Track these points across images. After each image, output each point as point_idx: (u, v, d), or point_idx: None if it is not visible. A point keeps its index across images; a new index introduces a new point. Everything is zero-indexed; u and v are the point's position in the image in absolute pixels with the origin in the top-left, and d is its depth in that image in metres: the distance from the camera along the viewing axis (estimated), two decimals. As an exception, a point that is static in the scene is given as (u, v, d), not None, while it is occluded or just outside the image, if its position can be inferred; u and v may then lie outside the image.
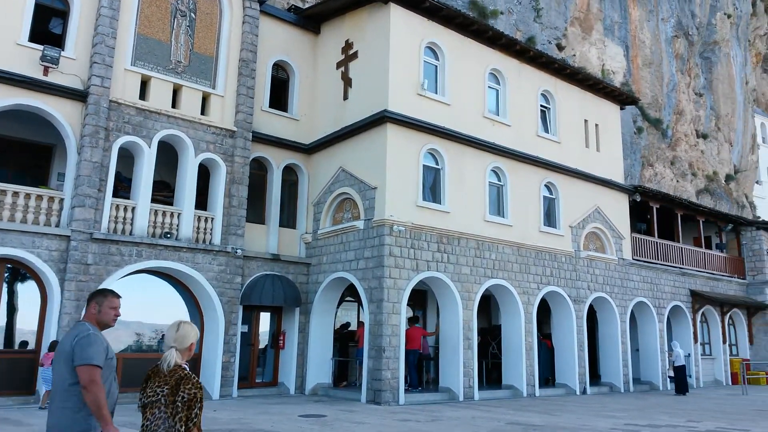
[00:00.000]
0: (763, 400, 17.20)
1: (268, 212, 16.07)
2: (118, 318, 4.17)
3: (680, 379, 18.26)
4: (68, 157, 13.14)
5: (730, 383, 23.11)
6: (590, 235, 19.15)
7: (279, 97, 17.14)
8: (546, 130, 18.48)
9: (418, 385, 15.26)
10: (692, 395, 18.19)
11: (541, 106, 18.49)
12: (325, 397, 14.65)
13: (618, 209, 20.21)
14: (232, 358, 14.26)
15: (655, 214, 22.01)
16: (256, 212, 15.90)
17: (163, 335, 14.83)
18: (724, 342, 23.82)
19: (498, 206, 16.67)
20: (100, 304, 4.03)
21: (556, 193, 18.18)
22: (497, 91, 17.39)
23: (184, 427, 3.50)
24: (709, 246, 25.78)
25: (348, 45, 16.18)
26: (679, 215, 23.16)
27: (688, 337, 22.03)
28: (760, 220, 28.89)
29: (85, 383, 3.67)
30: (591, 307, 18.90)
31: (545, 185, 17.91)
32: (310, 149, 16.74)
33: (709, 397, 18.01)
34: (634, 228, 21.63)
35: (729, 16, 38.12)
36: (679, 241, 23.04)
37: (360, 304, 15.93)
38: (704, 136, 35.21)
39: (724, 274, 24.79)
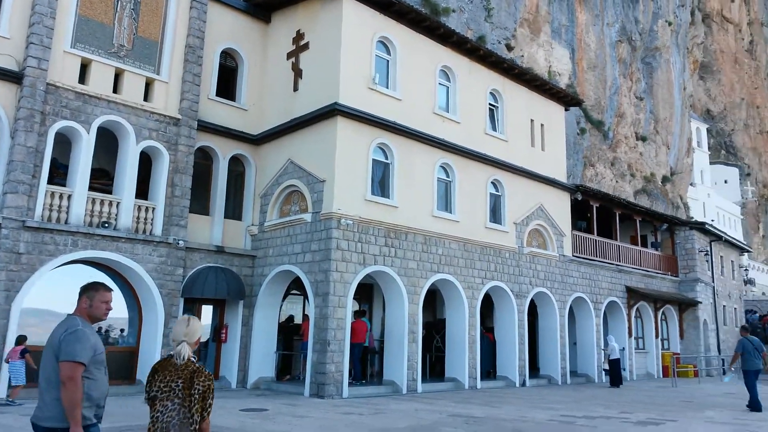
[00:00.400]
0: (690, 391, 18.08)
1: (212, 203, 15.75)
2: (110, 312, 4.19)
3: (615, 372, 19.00)
4: (0, 141, 12.49)
5: (662, 376, 24.19)
6: (533, 231, 19.63)
7: (227, 86, 16.77)
8: (494, 129, 18.80)
9: (362, 379, 15.32)
10: (626, 387, 18.94)
11: (490, 104, 18.78)
12: (267, 391, 14.51)
13: (560, 207, 20.79)
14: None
15: (595, 213, 22.75)
16: (200, 203, 15.55)
17: (122, 330, 14.41)
18: (657, 336, 24.90)
19: (446, 202, 16.87)
20: (92, 299, 4.01)
21: (502, 191, 18.53)
22: (447, 88, 17.55)
23: (200, 416, 3.71)
24: (645, 244, 26.85)
25: (299, 35, 15.99)
26: (617, 214, 24.02)
27: (623, 331, 22.92)
28: (693, 220, 30.33)
29: (64, 379, 3.66)
30: (532, 302, 19.40)
31: (492, 182, 18.23)
32: (258, 140, 16.48)
33: (642, 389, 18.80)
34: (575, 226, 22.30)
35: (670, 24, 39.69)
36: (616, 239, 23.90)
37: (306, 297, 15.84)
38: (643, 139, 36.59)
39: (658, 271, 25.89)
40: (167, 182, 14.38)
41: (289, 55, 16.21)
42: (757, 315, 35.17)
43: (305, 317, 16.83)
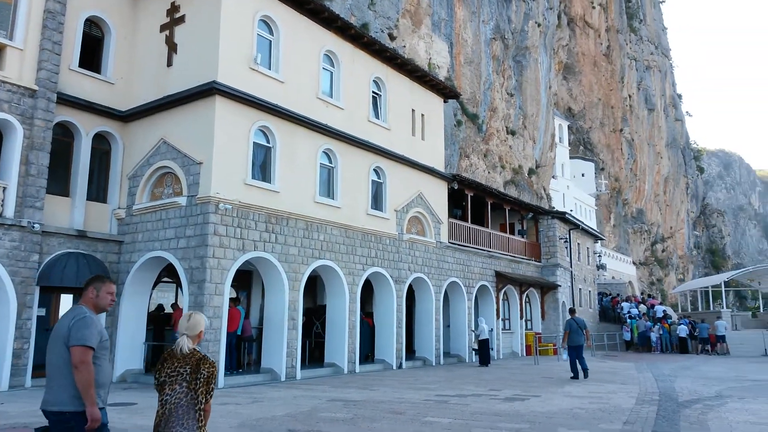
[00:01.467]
0: (550, 368, 19.58)
1: (73, 184, 14.47)
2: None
3: (484, 352, 20.10)
4: None
5: (525, 354, 25.98)
6: (413, 219, 20.15)
7: (92, 57, 15.42)
8: (377, 116, 18.98)
9: (238, 368, 14.93)
10: (494, 366, 20.12)
11: (373, 92, 18.92)
12: (135, 384, 13.69)
13: (438, 195, 21.51)
14: (26, 344, 12.69)
15: (470, 202, 23.82)
16: (59, 183, 14.23)
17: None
18: (522, 318, 26.68)
19: (328, 188, 16.79)
20: (98, 289, 4.27)
21: (383, 178, 18.80)
22: (331, 73, 17.42)
23: (204, 398, 4.08)
24: (512, 232, 28.58)
25: (174, 7, 15.04)
26: (489, 203, 25.32)
27: (491, 313, 24.30)
28: (555, 210, 32.70)
29: (77, 363, 3.88)
30: (410, 287, 19.96)
31: (374, 169, 18.43)
32: (126, 117, 15.36)
33: (507, 367, 20.06)
34: (451, 213, 23.20)
35: (539, 25, 42.29)
36: (488, 227, 25.22)
37: (179, 285, 15.08)
38: (513, 133, 38.84)
39: (524, 257, 27.70)
40: (21, 159, 12.98)
41: (163, 28, 15.22)
42: (609, 297, 38.81)
43: (176, 306, 16.06)
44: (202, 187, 13.46)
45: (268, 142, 15.00)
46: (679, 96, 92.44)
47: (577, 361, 15.66)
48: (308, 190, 15.91)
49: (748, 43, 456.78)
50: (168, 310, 16.30)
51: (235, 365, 14.65)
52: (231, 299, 14.78)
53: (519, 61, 40.04)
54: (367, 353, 18.54)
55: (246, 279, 17.58)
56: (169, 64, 14.86)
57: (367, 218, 17.91)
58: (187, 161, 13.87)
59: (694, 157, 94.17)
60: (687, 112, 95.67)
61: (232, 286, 14.07)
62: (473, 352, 22.11)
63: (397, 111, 19.80)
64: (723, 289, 34.49)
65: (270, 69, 15.22)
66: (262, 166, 14.91)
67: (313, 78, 16.50)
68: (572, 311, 17.43)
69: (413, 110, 20.64)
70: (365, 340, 18.07)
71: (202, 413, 4.08)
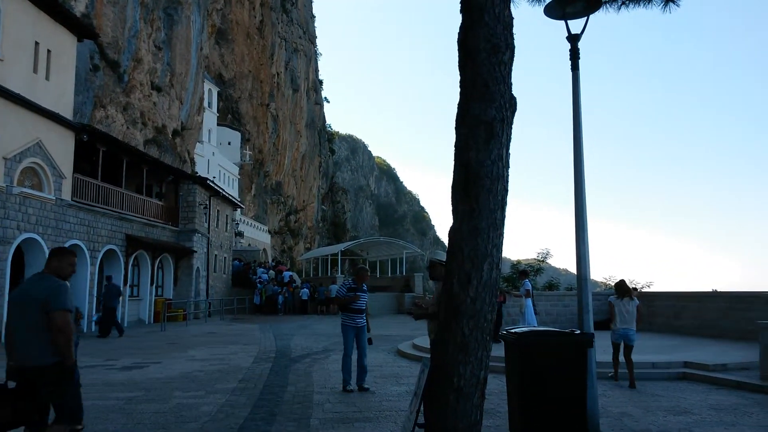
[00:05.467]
0: (177, 333, 19.41)
1: None
2: None
3: (109, 321, 18.66)
4: None
5: (153, 321, 25.13)
6: (28, 170, 17.33)
7: None
8: (-17, 41, 15.57)
9: None
10: (115, 335, 18.83)
11: (-20, 10, 15.45)
12: None
13: (63, 146, 18.95)
14: None
15: (101, 157, 21.70)
16: None
17: None
18: (152, 284, 25.71)
19: None
20: (61, 261, 4.73)
21: (-12, 117, 15.59)
22: None
23: None
24: (150, 194, 27.19)
25: None
26: (125, 161, 23.52)
27: (119, 280, 22.74)
28: (198, 175, 32.38)
29: (61, 325, 4.37)
30: (20, 249, 17.20)
31: (-26, 105, 15.12)
32: None
33: (131, 335, 19.06)
34: (78, 168, 20.74)
35: (195, -17, 40.79)
36: (122, 187, 23.44)
37: None
38: (158, 89, 36.78)
39: (160, 221, 26.69)
40: None
41: None
42: (242, 263, 40.39)
43: None
44: None
45: None
46: (321, 82, 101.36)
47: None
48: None
49: (380, 46, 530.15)
50: None
51: None
52: None
53: (171, 15, 37.98)
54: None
55: None
56: None
57: (-39, 164, 14.64)
58: None
59: (328, 139, 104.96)
60: (326, 97, 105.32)
61: None
62: (94, 321, 20.36)
63: (17, 41, 16.61)
64: (339, 257, 39.43)
65: None
66: None
67: None
68: (109, 278, 20.00)
69: (37, 43, 17.62)
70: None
71: None
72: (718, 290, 18.31)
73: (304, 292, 34.57)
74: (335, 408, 7.48)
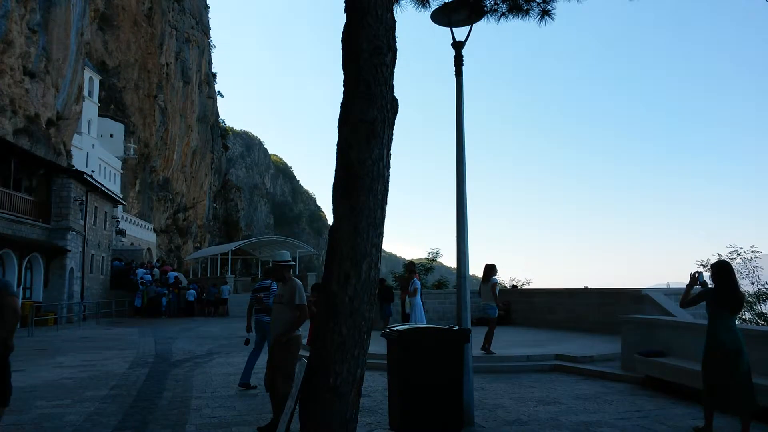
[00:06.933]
0: (46, 339, 17.98)
1: None
2: None
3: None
4: None
5: (20, 326, 23.03)
6: None
7: None
8: None
9: None
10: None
11: None
12: None
13: None
14: None
15: (-40, 146, 19.61)
16: None
17: None
18: (19, 286, 23.61)
19: None
20: None
21: None
22: None
23: None
24: (18, 188, 24.97)
25: None
26: (-12, 151, 21.43)
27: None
28: (73, 169, 30.13)
29: (17, 307, 5.03)
30: None
31: None
32: None
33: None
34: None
35: (74, -38, 37.97)
36: (-16, 179, 21.32)
37: None
38: (32, 75, 33.84)
39: (29, 217, 24.58)
40: None
41: None
42: (123, 263, 38.07)
43: None
44: None
45: None
46: (214, 75, 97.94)
47: None
48: None
49: (277, 44, 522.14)
50: None
51: None
52: None
53: (47, -4, 35.09)
54: None
55: None
56: None
57: None
58: None
59: (221, 135, 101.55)
60: (219, 92, 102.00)
61: None
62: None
63: None
64: (230, 257, 38.34)
65: None
66: None
67: None
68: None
69: None
70: None
71: None
72: (590, 287, 19.71)
73: (191, 294, 33.25)
74: (214, 413, 7.23)
